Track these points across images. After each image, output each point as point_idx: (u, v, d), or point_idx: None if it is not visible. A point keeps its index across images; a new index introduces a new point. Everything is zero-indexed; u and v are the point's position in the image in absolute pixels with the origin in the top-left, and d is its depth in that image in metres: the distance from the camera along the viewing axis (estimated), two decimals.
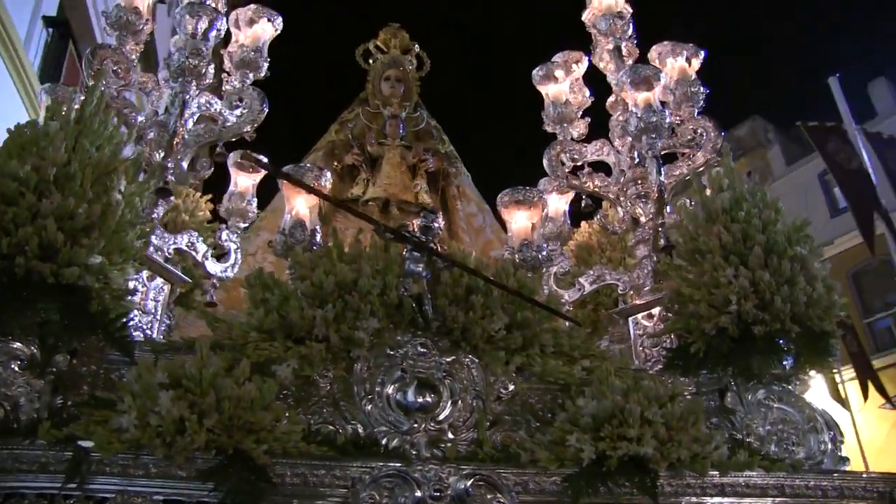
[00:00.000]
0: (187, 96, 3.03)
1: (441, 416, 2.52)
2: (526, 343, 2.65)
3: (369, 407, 2.51)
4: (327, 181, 3.02)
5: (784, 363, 2.83)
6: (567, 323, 3.01)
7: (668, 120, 3.21)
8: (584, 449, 2.30)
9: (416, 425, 2.49)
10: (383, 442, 2.45)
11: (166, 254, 3.03)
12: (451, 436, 2.51)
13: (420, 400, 2.52)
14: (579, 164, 3.58)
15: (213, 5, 3.32)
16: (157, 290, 2.91)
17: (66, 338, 2.42)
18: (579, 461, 2.30)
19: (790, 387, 2.79)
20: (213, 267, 3.20)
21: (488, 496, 2.30)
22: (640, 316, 3.22)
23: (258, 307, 2.58)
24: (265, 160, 2.88)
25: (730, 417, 2.73)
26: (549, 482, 2.34)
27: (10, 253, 2.33)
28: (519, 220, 3.12)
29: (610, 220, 3.53)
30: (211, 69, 3.16)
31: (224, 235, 3.33)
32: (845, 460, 2.70)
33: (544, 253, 3.10)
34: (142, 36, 3.14)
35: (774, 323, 2.69)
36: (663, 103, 3.30)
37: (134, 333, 2.76)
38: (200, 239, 3.19)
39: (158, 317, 2.89)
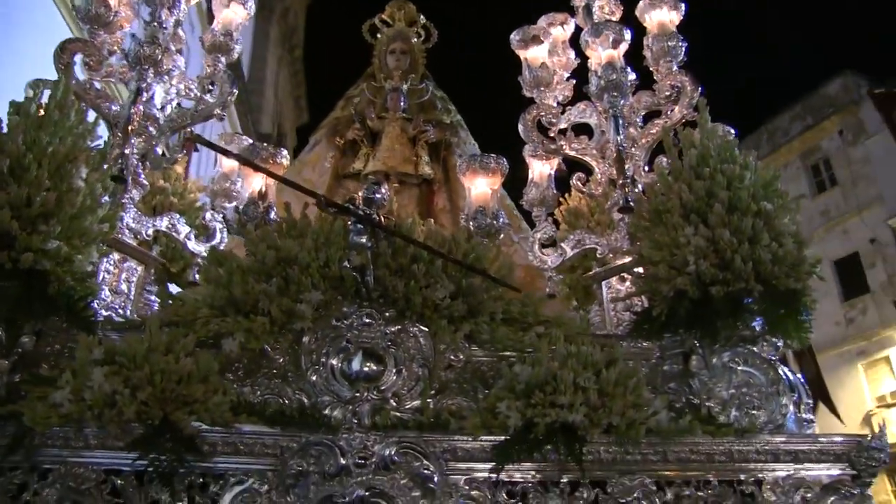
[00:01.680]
0: (143, 84, 3.15)
1: (384, 386, 2.56)
2: (473, 311, 2.65)
3: (314, 377, 2.58)
4: (283, 158, 3.08)
5: (754, 325, 2.72)
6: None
7: (630, 77, 3.10)
8: (511, 416, 2.29)
9: (358, 394, 2.54)
10: (325, 412, 2.51)
11: (145, 236, 3.17)
12: (394, 404, 2.55)
13: (364, 369, 2.57)
14: (563, 127, 3.51)
15: None
16: (129, 272, 3.05)
17: (28, 319, 2.59)
18: (506, 428, 2.30)
19: (755, 348, 2.68)
20: (195, 247, 3.33)
21: (415, 463, 2.34)
22: (613, 279, 3.16)
23: (209, 283, 2.68)
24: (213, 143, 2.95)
25: (689, 382, 2.65)
26: (479, 449, 2.35)
27: None
28: (479, 187, 3.11)
29: (591, 184, 3.45)
30: (179, 60, 3.28)
31: (208, 216, 3.45)
32: (809, 423, 2.60)
33: (501, 220, 3.07)
34: (115, 28, 3.27)
35: (736, 283, 2.60)
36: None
37: (105, 313, 2.92)
38: (182, 220, 3.32)
39: (132, 297, 3.04)
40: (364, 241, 2.61)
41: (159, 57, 3.16)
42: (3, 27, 6.47)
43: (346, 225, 2.68)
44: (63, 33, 7.22)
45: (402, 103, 4.74)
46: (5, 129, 2.75)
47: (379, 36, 5.07)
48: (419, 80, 5.04)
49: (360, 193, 2.74)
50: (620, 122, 3.20)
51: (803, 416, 2.60)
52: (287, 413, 2.45)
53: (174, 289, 3.64)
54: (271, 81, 22.92)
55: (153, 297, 3.30)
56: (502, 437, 2.33)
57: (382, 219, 2.68)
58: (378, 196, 2.69)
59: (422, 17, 5.08)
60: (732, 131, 3.59)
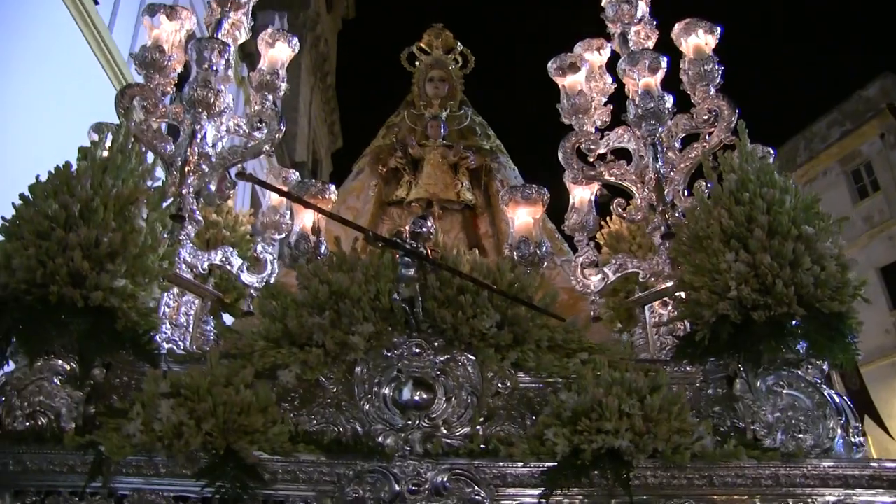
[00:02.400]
0: (197, 126, 3.32)
1: (435, 414, 2.67)
2: (518, 339, 2.75)
3: (367, 406, 2.69)
4: (331, 194, 3.21)
5: (798, 348, 2.76)
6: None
7: (668, 105, 3.18)
8: (558, 442, 2.38)
9: (409, 423, 2.64)
10: (379, 439, 2.62)
11: (201, 270, 3.32)
12: (444, 431, 2.65)
13: (415, 398, 2.67)
14: (602, 152, 3.60)
15: (229, 36, 3.60)
16: (188, 305, 3.21)
17: (98, 353, 2.75)
18: (555, 455, 2.38)
19: (800, 372, 2.73)
20: (248, 278, 3.47)
21: (466, 489, 2.43)
22: (655, 303, 3.23)
23: (265, 317, 2.82)
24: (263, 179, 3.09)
25: (733, 406, 2.70)
26: (528, 475, 2.44)
27: (44, 282, 2.66)
28: (521, 217, 3.21)
29: (631, 208, 3.52)
30: (227, 98, 3.45)
31: (259, 248, 3.60)
32: (859, 446, 2.62)
33: (544, 249, 3.16)
34: (169, 71, 3.45)
35: (779, 307, 2.65)
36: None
37: (166, 345, 3.08)
38: (235, 253, 3.47)
39: (190, 329, 3.19)
40: (412, 273, 2.73)
41: (212, 100, 3.33)
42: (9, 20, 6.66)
43: (394, 258, 2.79)
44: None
45: (441, 131, 4.87)
46: (75, 173, 2.94)
47: (417, 64, 5.21)
48: (458, 106, 5.17)
49: (406, 227, 2.85)
50: (659, 148, 3.27)
51: (852, 439, 2.62)
52: (343, 441, 2.57)
53: (228, 318, 3.81)
54: (304, 110, 23.40)
55: (210, 328, 3.45)
56: (550, 464, 2.41)
57: (429, 251, 2.80)
58: (425, 229, 2.81)
59: (459, 43, 5.22)
60: (772, 151, 3.65)
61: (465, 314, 2.72)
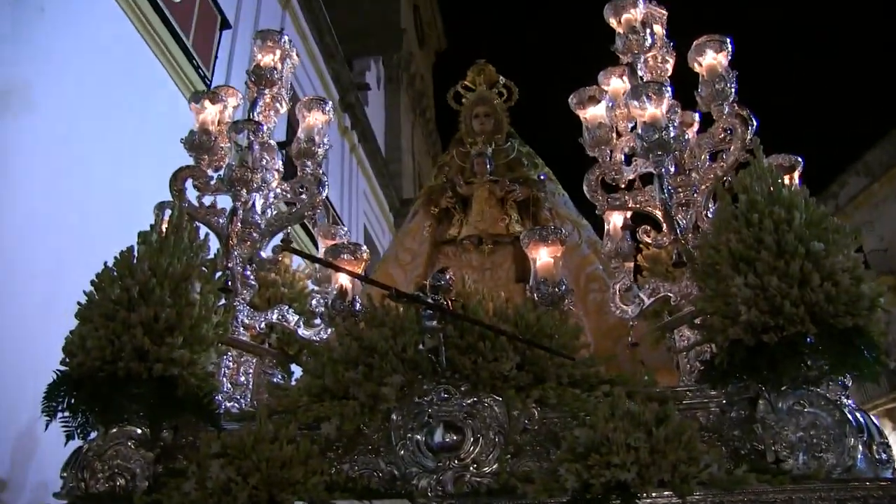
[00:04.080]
0: (238, 203, 3.69)
1: (464, 454, 2.89)
2: (539, 378, 2.95)
3: (402, 452, 2.95)
4: (364, 253, 3.49)
5: (820, 364, 2.81)
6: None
7: (672, 133, 3.27)
8: (569, 478, 2.55)
9: (441, 464, 2.88)
10: (413, 482, 2.88)
11: (258, 329, 3.68)
12: (474, 470, 2.87)
13: (446, 440, 2.91)
14: (631, 178, 3.72)
15: (269, 109, 3.98)
16: (246, 364, 3.57)
17: (164, 418, 3.13)
18: (566, 490, 2.56)
19: (821, 389, 2.78)
20: (305, 332, 3.81)
21: None
22: (684, 327, 3.32)
23: (307, 373, 3.14)
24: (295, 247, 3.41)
25: (753, 428, 2.79)
26: None
27: (113, 358, 3.07)
28: (542, 257, 3.38)
29: (658, 235, 3.63)
30: (268, 174, 3.81)
31: (315, 302, 3.94)
32: (884, 463, 2.65)
33: (563, 288, 3.32)
34: (217, 149, 3.85)
35: (790, 327, 2.72)
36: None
37: (228, 404, 3.44)
38: (291, 310, 3.82)
39: (251, 387, 3.54)
40: (434, 324, 2.97)
41: (248, 177, 3.69)
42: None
43: (418, 311, 3.04)
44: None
45: (488, 167, 5.08)
46: (136, 257, 3.35)
47: (463, 101, 5.45)
48: (504, 139, 5.37)
49: (428, 281, 3.09)
50: (666, 179, 3.38)
51: (876, 456, 2.66)
52: (374, 487, 2.83)
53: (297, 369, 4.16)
54: (407, 148, 24.34)
55: (278, 380, 3.81)
56: (566, 499, 2.59)
57: (450, 303, 3.03)
58: (443, 282, 3.05)
59: (501, 77, 5.42)
60: (800, 160, 3.68)
61: (485, 358, 2.94)
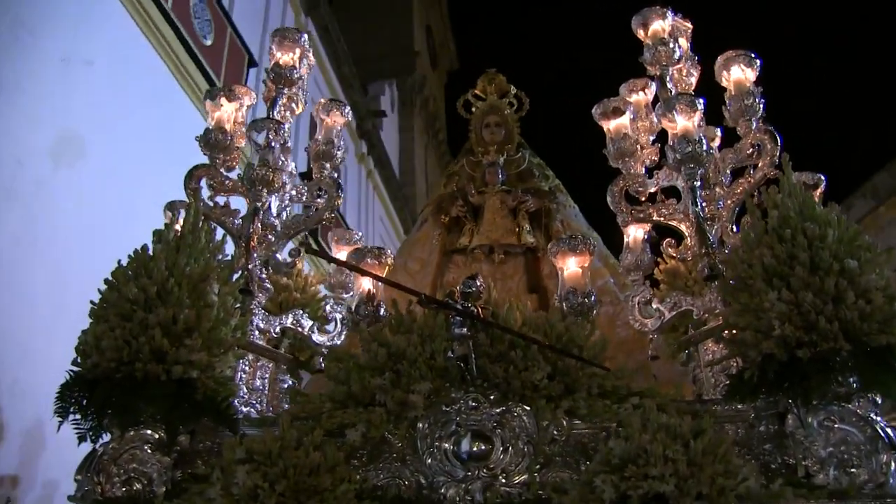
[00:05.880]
0: (259, 203, 3.69)
1: (493, 464, 2.91)
2: (569, 388, 2.97)
3: (429, 460, 2.96)
4: (388, 258, 3.51)
5: (851, 381, 2.88)
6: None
7: (715, 144, 3.34)
8: (606, 490, 2.58)
9: (469, 474, 2.90)
10: (441, 491, 2.89)
11: (273, 334, 3.68)
12: (503, 480, 2.89)
13: (474, 450, 2.93)
14: (652, 191, 3.78)
15: (286, 109, 4.00)
16: (262, 369, 3.56)
17: (182, 422, 3.11)
18: (602, 502, 2.58)
19: (852, 406, 2.84)
20: (319, 338, 3.81)
21: None
22: (708, 341, 3.38)
23: (331, 379, 3.14)
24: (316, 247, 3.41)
25: (784, 442, 2.84)
26: None
27: (130, 360, 3.04)
28: (570, 267, 3.42)
29: (682, 248, 3.69)
30: (290, 166, 3.81)
31: (328, 308, 3.94)
32: None
33: (592, 298, 3.36)
34: (232, 148, 3.84)
35: (824, 343, 2.78)
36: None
37: (245, 409, 3.43)
38: (305, 315, 3.81)
39: (266, 392, 3.53)
40: (465, 332, 3.00)
41: (270, 177, 3.70)
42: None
43: (447, 318, 3.06)
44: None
45: (499, 176, 5.13)
46: (151, 256, 3.33)
47: (474, 110, 5.50)
48: (515, 149, 5.43)
49: (458, 288, 3.12)
50: (699, 192, 3.44)
51: None
52: (405, 496, 2.84)
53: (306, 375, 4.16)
54: (421, 170, 24.78)
55: (287, 385, 3.80)
56: None
57: (480, 310, 3.06)
58: (474, 289, 3.07)
59: (513, 87, 5.48)
60: (822, 178, 3.76)
61: (517, 368, 2.97)
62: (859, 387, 2.87)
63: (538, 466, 2.92)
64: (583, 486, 2.69)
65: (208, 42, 9.66)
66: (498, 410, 2.97)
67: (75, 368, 3.14)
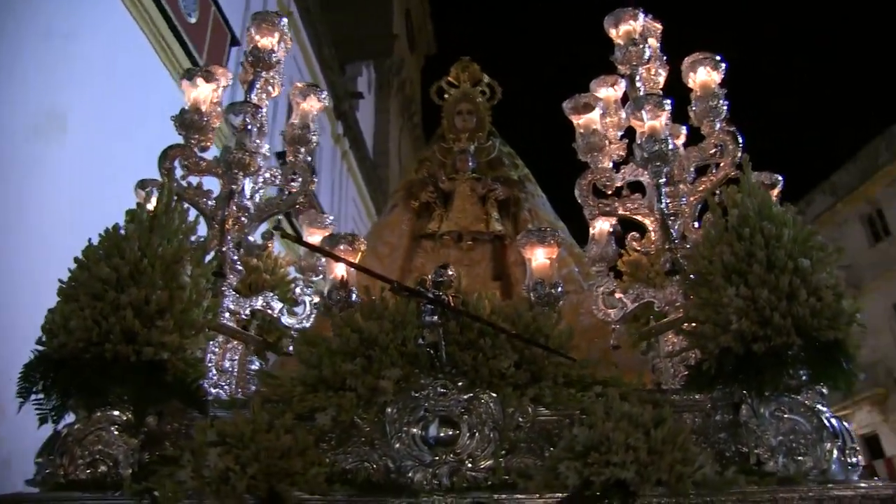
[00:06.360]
0: (234, 186, 3.72)
1: (460, 449, 3.01)
2: (536, 376, 3.08)
3: (398, 445, 3.04)
4: (361, 245, 3.57)
5: (801, 374, 3.03)
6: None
7: (679, 143, 3.46)
8: (570, 475, 2.69)
9: (437, 458, 2.99)
10: (409, 475, 2.98)
11: (243, 315, 3.72)
12: (469, 465, 2.99)
13: (441, 435, 3.02)
14: (619, 185, 3.90)
15: (262, 91, 4.02)
16: (232, 350, 3.61)
17: (151, 404, 3.14)
18: (566, 487, 2.70)
19: (800, 397, 3.00)
20: (288, 320, 3.86)
21: None
22: (669, 333, 3.51)
23: (302, 363, 3.20)
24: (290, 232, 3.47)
25: (738, 431, 2.99)
26: None
27: (99, 340, 3.03)
28: (539, 258, 3.52)
29: (645, 241, 3.81)
30: (264, 148, 3.85)
31: (298, 290, 3.99)
32: (854, 467, 2.89)
33: (559, 289, 3.47)
34: (208, 129, 3.86)
35: (777, 338, 2.92)
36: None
37: (214, 390, 3.48)
38: (275, 297, 3.86)
39: (235, 373, 3.58)
40: (435, 319, 3.08)
41: (247, 161, 3.73)
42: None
43: (418, 305, 3.14)
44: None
45: (470, 164, 5.21)
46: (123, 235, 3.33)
47: (446, 97, 5.56)
48: (486, 137, 5.50)
49: (429, 276, 3.19)
50: (664, 190, 3.56)
51: (848, 460, 2.89)
52: (374, 480, 2.92)
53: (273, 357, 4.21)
54: (395, 152, 24.85)
55: (255, 367, 3.85)
56: (563, 495, 2.73)
57: (451, 298, 3.14)
58: (446, 278, 3.15)
59: (486, 76, 5.55)
60: (780, 178, 3.91)
61: (485, 356, 3.06)
62: (808, 379, 3.03)
63: (504, 452, 3.02)
64: (547, 471, 2.81)
65: (193, 20, 9.70)
66: (465, 397, 3.07)
67: (40, 348, 3.13)
